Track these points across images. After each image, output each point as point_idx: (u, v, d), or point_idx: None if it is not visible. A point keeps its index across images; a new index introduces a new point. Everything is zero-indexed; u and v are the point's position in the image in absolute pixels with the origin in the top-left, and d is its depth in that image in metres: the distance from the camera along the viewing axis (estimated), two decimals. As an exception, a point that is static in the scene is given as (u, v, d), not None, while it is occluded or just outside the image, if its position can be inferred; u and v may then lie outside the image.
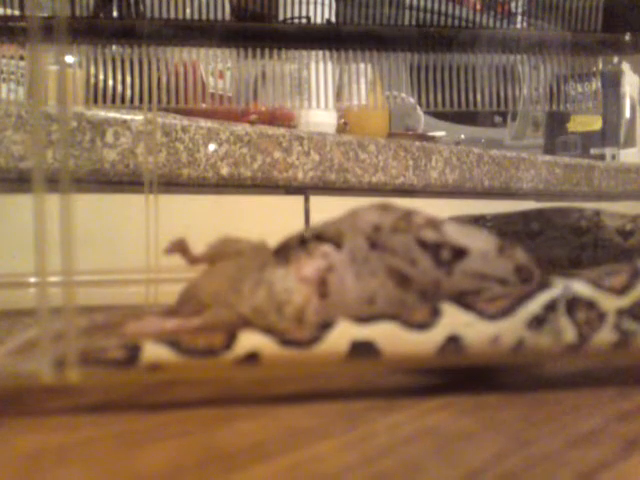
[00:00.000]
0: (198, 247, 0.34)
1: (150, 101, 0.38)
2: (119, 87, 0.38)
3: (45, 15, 0.31)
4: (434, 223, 0.29)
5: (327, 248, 0.29)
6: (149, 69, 0.38)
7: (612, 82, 1.78)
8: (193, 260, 0.34)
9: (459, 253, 0.28)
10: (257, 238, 0.33)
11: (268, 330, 0.26)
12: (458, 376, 0.30)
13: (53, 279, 0.24)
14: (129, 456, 0.22)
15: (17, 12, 0.36)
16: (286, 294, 0.28)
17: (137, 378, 0.26)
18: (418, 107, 1.47)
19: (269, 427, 0.24)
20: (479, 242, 0.29)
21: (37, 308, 0.24)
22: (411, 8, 0.41)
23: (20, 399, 0.27)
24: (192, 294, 0.33)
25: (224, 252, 0.33)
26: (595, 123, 1.82)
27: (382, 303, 0.28)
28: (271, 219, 0.93)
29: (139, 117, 0.83)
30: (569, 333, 0.27)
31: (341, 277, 0.29)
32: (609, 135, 1.82)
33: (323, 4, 1.01)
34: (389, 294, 0.28)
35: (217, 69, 0.40)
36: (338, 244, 0.29)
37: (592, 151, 1.81)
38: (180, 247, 0.33)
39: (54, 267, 0.24)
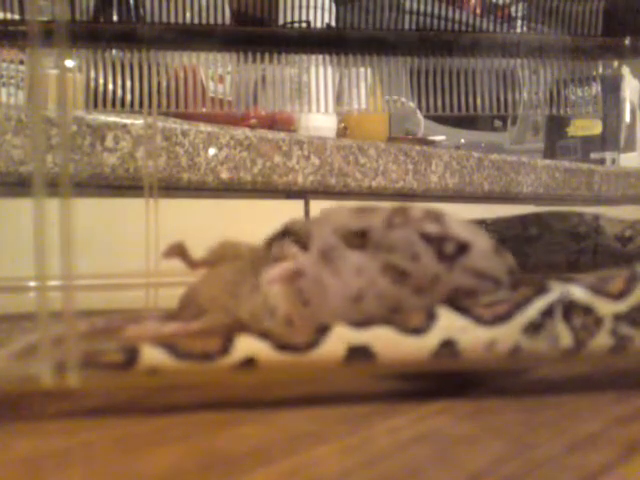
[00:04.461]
0: (198, 251, 0.34)
1: (150, 105, 0.38)
2: (119, 91, 0.38)
3: (45, 19, 0.31)
4: (434, 215, 0.28)
5: (293, 249, 0.29)
6: (149, 73, 0.38)
7: (612, 86, 1.78)
8: (193, 264, 0.34)
9: (462, 248, 0.28)
10: (257, 242, 0.33)
11: (265, 335, 0.26)
12: (457, 380, 0.30)
13: (53, 283, 0.24)
14: (129, 460, 0.22)
15: (17, 16, 0.36)
16: (274, 298, 0.28)
17: (135, 381, 0.26)
18: (418, 111, 1.47)
19: (269, 431, 0.24)
20: (480, 238, 0.28)
21: (37, 312, 0.24)
22: (411, 12, 0.41)
23: (20, 403, 0.27)
24: (192, 298, 0.33)
25: (224, 256, 0.33)
26: (595, 127, 1.82)
27: (372, 300, 0.28)
28: (271, 223, 0.93)
29: (139, 121, 0.83)
30: (566, 338, 0.27)
31: (314, 278, 0.28)
32: (609, 139, 1.82)
33: (323, 8, 1.02)
34: (382, 291, 0.28)
35: (217, 73, 0.40)
36: (305, 245, 0.29)
37: (592, 155, 1.82)
38: (178, 251, 0.33)
39: (54, 271, 0.24)
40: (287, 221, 0.31)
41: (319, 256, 0.28)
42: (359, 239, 0.28)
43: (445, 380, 0.30)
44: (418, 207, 0.29)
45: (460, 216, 0.29)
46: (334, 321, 0.26)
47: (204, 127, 0.90)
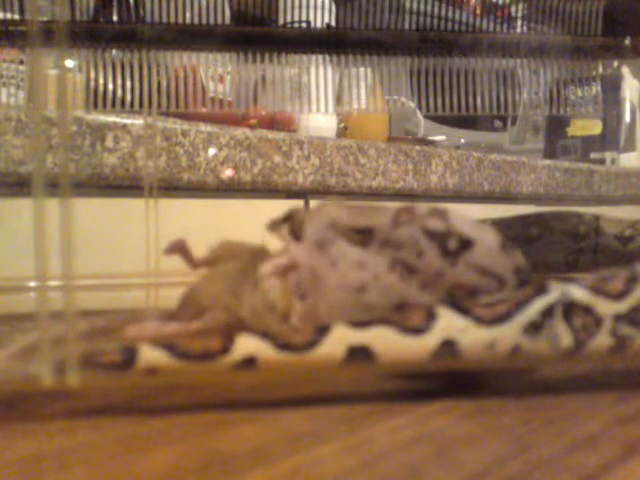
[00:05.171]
0: (198, 251, 0.33)
1: (150, 105, 0.38)
2: (119, 91, 0.38)
3: (45, 19, 0.31)
4: (439, 212, 0.28)
5: (287, 237, 0.29)
6: (149, 73, 0.38)
7: (612, 86, 1.78)
8: (193, 264, 0.34)
9: (466, 244, 0.28)
10: (257, 242, 0.33)
11: (265, 334, 0.26)
12: (457, 380, 0.30)
13: (53, 283, 0.24)
14: (129, 460, 0.22)
15: (17, 16, 0.36)
16: (273, 293, 0.28)
17: (134, 382, 0.26)
18: (418, 111, 1.47)
19: (269, 431, 0.24)
20: (485, 235, 0.28)
21: (37, 312, 0.24)
22: (411, 12, 0.41)
23: (20, 403, 0.27)
24: (192, 298, 0.33)
25: (224, 256, 0.33)
26: (595, 127, 1.82)
27: (377, 295, 0.27)
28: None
29: (139, 121, 0.83)
30: (566, 338, 0.27)
31: (310, 272, 0.28)
32: (609, 139, 1.82)
33: (323, 8, 1.02)
34: (388, 286, 0.27)
35: (217, 73, 0.40)
36: (298, 236, 0.29)
37: (592, 155, 1.81)
38: (179, 248, 0.33)
39: (54, 271, 0.24)
40: (290, 208, 0.31)
41: (313, 249, 0.28)
42: (362, 236, 0.28)
43: (445, 380, 0.30)
44: (424, 205, 0.29)
45: (466, 214, 0.29)
46: (335, 316, 0.26)
47: (204, 127, 0.90)
